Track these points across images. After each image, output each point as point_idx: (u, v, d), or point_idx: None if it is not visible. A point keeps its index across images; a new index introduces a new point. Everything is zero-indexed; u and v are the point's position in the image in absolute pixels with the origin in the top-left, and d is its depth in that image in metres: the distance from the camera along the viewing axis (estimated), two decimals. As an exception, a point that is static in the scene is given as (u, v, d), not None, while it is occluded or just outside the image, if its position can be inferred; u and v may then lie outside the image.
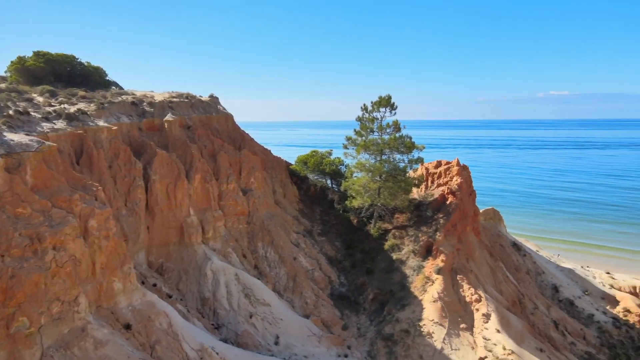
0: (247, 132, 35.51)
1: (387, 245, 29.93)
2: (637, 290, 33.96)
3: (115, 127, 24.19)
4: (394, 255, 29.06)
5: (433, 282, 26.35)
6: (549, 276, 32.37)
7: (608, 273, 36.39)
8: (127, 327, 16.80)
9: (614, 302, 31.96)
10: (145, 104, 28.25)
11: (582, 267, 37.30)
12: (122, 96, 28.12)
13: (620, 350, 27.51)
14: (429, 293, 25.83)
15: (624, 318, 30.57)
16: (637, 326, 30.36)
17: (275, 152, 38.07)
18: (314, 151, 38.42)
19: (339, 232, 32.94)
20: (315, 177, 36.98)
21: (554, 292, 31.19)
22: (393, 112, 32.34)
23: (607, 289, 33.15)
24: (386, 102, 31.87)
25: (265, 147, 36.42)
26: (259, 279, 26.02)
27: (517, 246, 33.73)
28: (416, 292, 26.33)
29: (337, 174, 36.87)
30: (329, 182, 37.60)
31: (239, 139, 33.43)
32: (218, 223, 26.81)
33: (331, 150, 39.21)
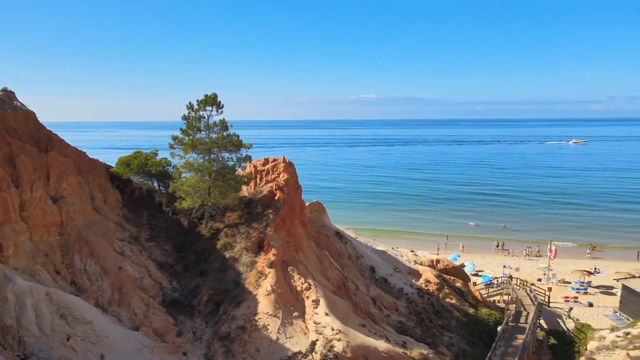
0: (54, 132, 31.30)
1: (219, 244, 29.76)
2: (435, 263, 40.43)
3: None
4: (227, 254, 29.08)
5: (266, 276, 27.17)
6: (367, 259, 36.32)
7: (412, 251, 42.53)
8: None
9: (418, 275, 37.48)
10: None
11: (392, 248, 42.78)
12: None
13: (424, 316, 32.45)
14: (263, 287, 26.58)
15: (425, 288, 36.09)
16: (436, 293, 36.16)
17: (92, 155, 34.41)
18: (138, 152, 35.86)
19: (169, 236, 31.48)
20: (140, 180, 34.54)
21: (372, 273, 35.12)
22: (220, 110, 32.23)
23: (412, 265, 38.68)
24: (212, 101, 31.58)
25: (79, 149, 32.62)
26: (77, 295, 23.30)
27: (339, 235, 36.95)
28: (250, 287, 26.83)
29: (164, 175, 35.09)
30: (155, 184, 35.55)
31: (44, 140, 29.30)
32: (21, 237, 23.13)
33: (157, 150, 37.11)
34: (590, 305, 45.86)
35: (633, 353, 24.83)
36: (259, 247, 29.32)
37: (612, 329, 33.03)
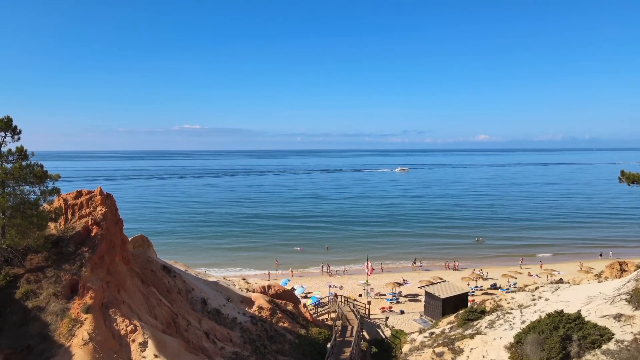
0: None
1: (19, 293, 25.09)
2: (266, 289, 40.88)
3: None
4: (30, 304, 24.68)
5: (82, 323, 23.92)
6: (198, 291, 34.79)
7: (244, 279, 42.30)
8: None
9: (250, 302, 37.32)
10: None
11: (224, 278, 41.89)
12: None
13: (259, 343, 32.31)
14: (78, 336, 23.28)
15: (258, 315, 36.10)
16: (269, 319, 36.45)
17: None
18: None
19: (-56, 290, 25.30)
20: None
21: (203, 305, 33.71)
22: (16, 136, 27.70)
23: (244, 293, 38.37)
24: (5, 125, 26.94)
25: None
26: None
27: (167, 269, 34.70)
28: (62, 339, 23.23)
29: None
30: None
31: None
32: None
33: None
34: (402, 312, 51.90)
35: (437, 349, 28.80)
36: (73, 292, 25.69)
37: (420, 332, 37.77)
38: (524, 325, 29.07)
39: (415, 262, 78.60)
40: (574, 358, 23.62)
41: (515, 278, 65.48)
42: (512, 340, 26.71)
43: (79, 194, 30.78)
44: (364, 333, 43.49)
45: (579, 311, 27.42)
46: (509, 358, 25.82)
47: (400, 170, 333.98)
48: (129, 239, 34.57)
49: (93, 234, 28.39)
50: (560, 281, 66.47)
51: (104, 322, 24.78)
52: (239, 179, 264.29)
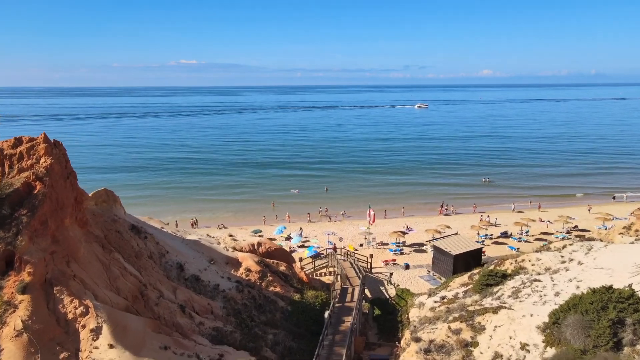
0: None
1: (-61, 268, 20.18)
2: (256, 247, 36.13)
3: None
4: (-48, 282, 19.83)
5: (17, 307, 19.21)
6: (174, 254, 29.96)
7: (231, 235, 37.48)
8: None
9: (237, 264, 32.69)
10: None
11: (207, 235, 37.05)
12: None
13: (245, 314, 27.87)
14: (10, 325, 18.61)
15: (246, 279, 31.52)
16: (258, 283, 31.95)
17: None
18: None
19: None
20: None
21: (180, 271, 28.96)
22: None
23: (230, 253, 33.67)
24: None
25: None
26: None
27: (137, 229, 29.59)
28: (-9, 328, 18.56)
29: None
30: None
31: None
32: None
33: None
34: (407, 267, 47.61)
35: (454, 325, 24.30)
36: (7, 265, 20.79)
37: (430, 294, 33.49)
38: (558, 298, 24.53)
39: (442, 207, 73.20)
40: (627, 346, 19.12)
41: (528, 225, 60.96)
42: (546, 320, 22.08)
43: (18, 141, 24.97)
44: (366, 291, 39.45)
45: (630, 285, 22.68)
46: (543, 342, 21.30)
47: (419, 106, 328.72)
48: (91, 194, 29.27)
49: (35, 192, 22.98)
50: (576, 228, 62.19)
51: (46, 304, 20.02)
52: (237, 118, 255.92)
